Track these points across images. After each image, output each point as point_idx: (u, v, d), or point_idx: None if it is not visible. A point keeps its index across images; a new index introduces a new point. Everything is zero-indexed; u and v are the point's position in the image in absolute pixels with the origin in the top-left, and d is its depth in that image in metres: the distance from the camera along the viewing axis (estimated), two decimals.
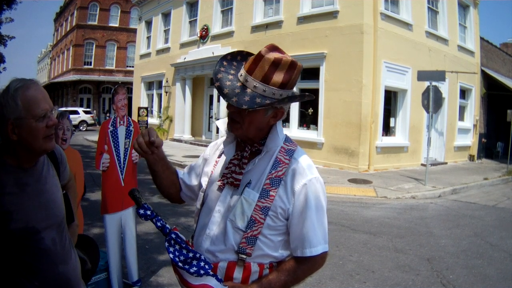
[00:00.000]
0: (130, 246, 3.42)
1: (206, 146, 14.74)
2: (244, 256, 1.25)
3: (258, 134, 1.31)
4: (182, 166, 10.88)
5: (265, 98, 1.19)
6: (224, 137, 1.40)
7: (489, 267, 4.27)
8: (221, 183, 1.33)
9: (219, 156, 1.43)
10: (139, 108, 15.59)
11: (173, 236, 1.22)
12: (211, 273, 1.22)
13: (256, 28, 13.60)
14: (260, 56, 1.20)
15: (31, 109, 1.33)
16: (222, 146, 1.41)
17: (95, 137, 12.94)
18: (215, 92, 15.60)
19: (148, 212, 1.22)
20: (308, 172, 1.28)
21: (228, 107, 1.27)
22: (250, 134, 1.29)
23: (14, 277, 1.36)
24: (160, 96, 19.68)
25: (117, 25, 32.05)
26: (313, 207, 1.26)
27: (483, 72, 15.65)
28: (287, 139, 1.35)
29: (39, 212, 1.41)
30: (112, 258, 3.23)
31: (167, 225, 1.24)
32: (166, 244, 1.22)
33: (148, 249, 4.45)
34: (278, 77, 1.20)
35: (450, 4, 13.65)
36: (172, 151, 13.62)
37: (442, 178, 9.89)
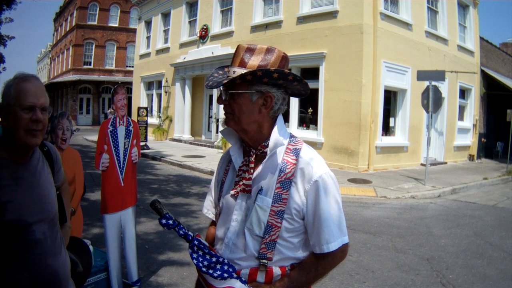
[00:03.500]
0: (130, 246, 3.42)
1: (205, 146, 14.85)
2: (265, 261, 1.26)
3: (255, 128, 1.29)
4: (182, 166, 10.88)
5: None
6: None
7: (489, 267, 4.27)
8: (234, 191, 1.33)
9: (228, 165, 1.42)
10: (139, 108, 15.59)
11: (196, 242, 1.24)
12: (235, 275, 1.23)
13: (255, 28, 13.61)
14: (237, 47, 1.28)
15: (19, 98, 1.40)
16: (230, 154, 1.40)
17: (94, 137, 12.92)
18: (214, 92, 15.59)
19: (170, 222, 1.25)
20: (316, 169, 1.26)
21: (218, 101, 1.31)
22: (244, 124, 1.27)
23: (3, 267, 1.39)
24: (159, 96, 19.68)
25: (116, 25, 32.03)
26: (326, 203, 1.25)
27: (482, 72, 15.66)
28: (292, 138, 1.34)
29: (32, 206, 1.45)
30: (112, 258, 3.23)
31: (190, 233, 1.26)
32: (190, 251, 1.24)
33: (148, 249, 4.45)
34: (254, 61, 1.23)
35: (449, 4, 13.65)
36: (171, 151, 13.62)
37: (441, 178, 9.89)
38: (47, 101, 1.48)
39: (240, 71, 1.22)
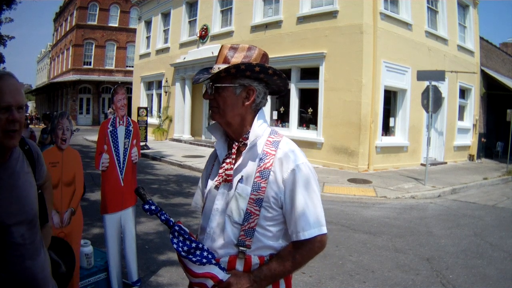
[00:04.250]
0: (130, 246, 3.42)
1: (205, 146, 14.85)
2: (244, 249, 1.30)
3: (238, 120, 1.36)
4: (182, 166, 10.88)
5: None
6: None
7: (489, 267, 4.27)
8: (217, 182, 1.39)
9: (215, 160, 1.49)
10: (139, 108, 15.58)
11: (177, 228, 1.29)
12: (213, 262, 1.28)
13: (255, 28, 13.60)
14: (221, 47, 1.38)
15: None
16: (215, 149, 1.48)
17: (94, 137, 12.91)
18: None
19: (153, 207, 1.31)
20: (294, 158, 1.32)
21: (204, 96, 1.39)
22: (229, 117, 1.35)
23: None
24: (159, 96, 19.68)
25: (116, 25, 32.03)
26: (304, 191, 1.29)
27: (482, 71, 15.66)
28: (272, 132, 1.40)
29: (9, 207, 1.41)
30: (112, 258, 3.23)
31: (171, 219, 1.31)
32: (171, 236, 1.29)
33: (148, 249, 4.45)
34: (237, 58, 1.33)
35: (449, 4, 13.65)
36: (171, 151, 13.62)
37: (441, 178, 9.89)
38: (24, 99, 1.43)
39: (224, 66, 1.31)
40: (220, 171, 1.39)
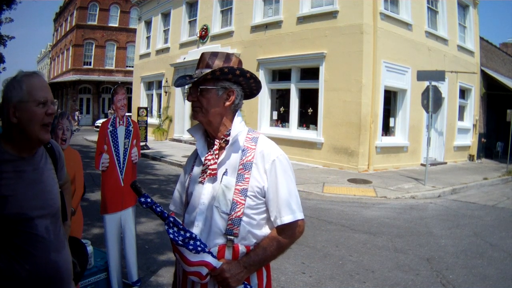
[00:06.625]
0: (130, 246, 3.42)
1: None
2: (232, 237, 1.39)
3: (219, 120, 1.47)
4: (182, 166, 10.87)
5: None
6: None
7: (489, 267, 4.27)
8: (201, 178, 1.48)
9: (195, 160, 1.58)
10: (139, 108, 15.58)
11: (171, 219, 1.36)
12: (207, 250, 1.36)
13: (255, 28, 13.60)
14: (202, 54, 1.51)
15: (34, 94, 1.44)
16: (196, 150, 1.56)
17: (94, 137, 12.91)
18: None
19: (149, 200, 1.38)
20: (274, 151, 1.46)
21: (188, 98, 1.50)
22: (211, 116, 1.46)
23: (5, 260, 1.40)
24: (159, 96, 19.68)
25: (116, 25, 32.04)
26: (285, 179, 1.43)
27: (482, 72, 15.66)
28: (250, 130, 1.54)
29: (33, 200, 1.46)
30: (112, 258, 3.23)
31: (165, 211, 1.39)
32: (166, 227, 1.36)
33: (148, 249, 4.45)
34: (218, 63, 1.45)
35: (449, 4, 13.65)
36: (172, 151, 13.62)
37: (441, 178, 9.89)
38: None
39: (209, 70, 1.42)
40: (203, 168, 1.48)
